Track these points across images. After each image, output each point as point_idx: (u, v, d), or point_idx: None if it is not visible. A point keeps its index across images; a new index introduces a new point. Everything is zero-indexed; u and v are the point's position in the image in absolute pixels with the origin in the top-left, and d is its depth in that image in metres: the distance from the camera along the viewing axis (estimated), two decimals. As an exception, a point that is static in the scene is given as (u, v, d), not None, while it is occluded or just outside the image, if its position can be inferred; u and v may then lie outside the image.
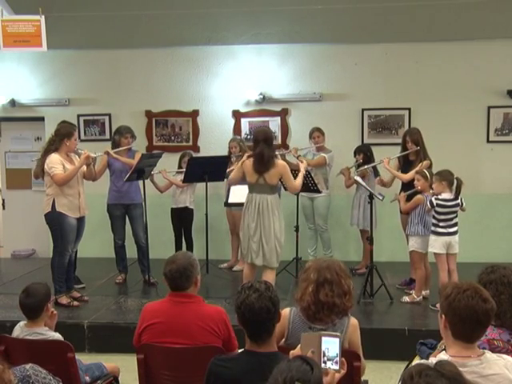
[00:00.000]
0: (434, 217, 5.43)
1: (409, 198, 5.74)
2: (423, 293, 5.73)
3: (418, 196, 5.57)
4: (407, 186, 5.95)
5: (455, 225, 5.45)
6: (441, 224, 5.39)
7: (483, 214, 7.35)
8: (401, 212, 6.13)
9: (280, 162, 5.29)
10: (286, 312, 3.00)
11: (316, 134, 6.89)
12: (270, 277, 5.27)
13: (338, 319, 2.89)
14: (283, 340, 3.01)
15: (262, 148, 5.09)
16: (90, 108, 7.82)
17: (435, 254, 5.47)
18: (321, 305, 2.83)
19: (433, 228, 5.45)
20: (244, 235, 5.35)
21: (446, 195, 5.40)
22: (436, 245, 5.43)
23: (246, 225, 5.28)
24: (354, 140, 7.30)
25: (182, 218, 6.97)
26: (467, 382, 1.83)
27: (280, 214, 5.34)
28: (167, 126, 7.82)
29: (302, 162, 5.78)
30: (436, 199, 5.37)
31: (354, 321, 2.97)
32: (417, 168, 5.86)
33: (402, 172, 6.18)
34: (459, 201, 5.41)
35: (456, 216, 5.46)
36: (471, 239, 6.96)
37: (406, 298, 5.72)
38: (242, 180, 5.42)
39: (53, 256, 5.71)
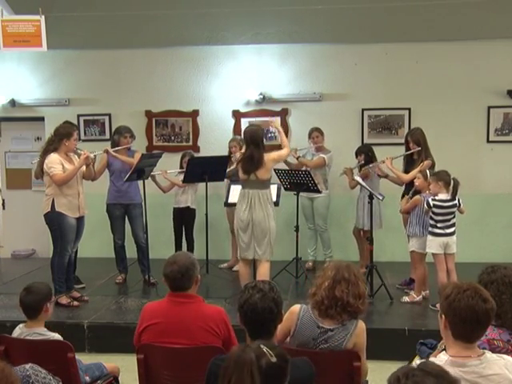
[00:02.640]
0: (431, 217, 5.43)
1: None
2: (423, 293, 5.73)
3: (416, 196, 5.57)
4: (410, 187, 5.95)
5: (453, 225, 5.45)
6: (438, 225, 5.39)
7: (483, 214, 7.34)
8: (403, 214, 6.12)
9: (266, 158, 5.36)
10: (295, 308, 3.01)
11: (315, 134, 6.89)
12: (264, 268, 5.38)
13: (347, 320, 2.89)
14: (289, 337, 3.02)
15: (252, 151, 5.29)
16: (90, 108, 7.82)
17: (433, 254, 5.47)
18: (335, 301, 2.84)
19: (430, 228, 5.45)
20: (237, 230, 5.47)
21: (443, 196, 5.39)
22: (433, 245, 5.43)
23: (239, 220, 5.39)
24: (354, 140, 7.30)
25: (183, 218, 6.98)
26: (452, 379, 1.84)
27: (272, 209, 5.41)
28: (167, 126, 7.82)
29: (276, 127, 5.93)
30: (433, 200, 5.37)
31: (362, 324, 2.97)
32: (417, 168, 5.86)
33: (405, 172, 6.18)
34: (456, 201, 5.41)
35: (454, 217, 5.45)
36: (471, 239, 6.97)
37: (406, 298, 5.72)
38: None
39: (52, 256, 5.71)
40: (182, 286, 3.18)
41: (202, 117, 7.74)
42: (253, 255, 5.41)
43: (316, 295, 2.90)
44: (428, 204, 5.37)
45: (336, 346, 2.88)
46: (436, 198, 5.38)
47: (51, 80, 7.88)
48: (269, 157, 5.39)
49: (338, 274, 2.88)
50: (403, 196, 6.02)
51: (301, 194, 6.64)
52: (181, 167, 6.93)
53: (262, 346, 2.04)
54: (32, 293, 3.31)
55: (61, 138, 5.55)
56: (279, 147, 7.31)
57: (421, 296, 5.69)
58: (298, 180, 6.43)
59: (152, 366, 3.11)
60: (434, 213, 5.39)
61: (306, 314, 2.95)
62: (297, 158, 6.84)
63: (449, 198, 5.39)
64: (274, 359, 2.00)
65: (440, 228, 5.39)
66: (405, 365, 1.85)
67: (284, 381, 2.04)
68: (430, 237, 5.46)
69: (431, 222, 5.43)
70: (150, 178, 6.58)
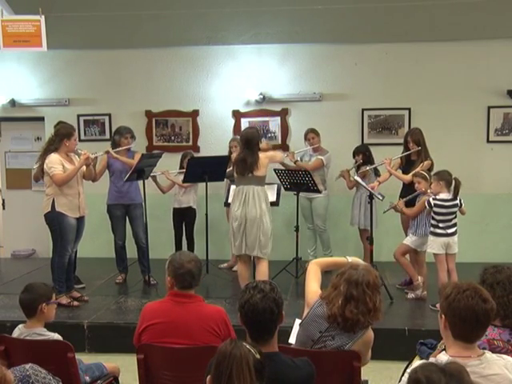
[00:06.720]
0: (432, 217, 5.43)
1: (408, 203, 5.75)
2: (419, 279, 5.75)
3: (424, 197, 5.56)
4: (408, 187, 5.95)
5: (454, 225, 5.45)
6: (440, 225, 5.39)
7: (483, 214, 7.35)
8: (402, 214, 6.11)
9: (261, 156, 5.39)
10: (316, 294, 3.03)
11: (311, 135, 6.89)
12: (263, 266, 5.41)
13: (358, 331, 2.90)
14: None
15: (245, 155, 5.35)
16: (89, 108, 7.82)
17: (434, 254, 5.48)
18: (346, 319, 2.84)
19: (431, 229, 5.45)
20: (231, 227, 5.51)
21: (444, 195, 5.40)
22: (434, 245, 5.44)
23: (233, 216, 5.44)
24: (354, 140, 7.30)
25: (184, 218, 6.98)
26: (466, 381, 1.84)
27: (267, 206, 5.44)
28: (167, 126, 7.82)
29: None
30: (434, 199, 5.37)
31: (370, 334, 2.95)
32: (417, 169, 5.86)
33: (403, 172, 6.18)
34: (458, 201, 5.41)
35: (455, 217, 5.46)
36: (471, 239, 6.97)
37: (412, 295, 5.75)
38: None
39: (52, 256, 5.71)
40: (194, 284, 3.21)
41: (202, 117, 7.74)
42: (244, 250, 5.41)
43: (332, 305, 2.87)
44: (429, 204, 5.38)
45: (341, 346, 2.88)
46: (437, 197, 5.38)
47: (51, 80, 7.88)
48: (264, 154, 5.44)
49: (348, 292, 2.84)
50: (401, 197, 6.02)
51: (300, 194, 6.64)
52: (181, 167, 6.93)
53: (245, 344, 2.12)
54: (28, 291, 3.31)
55: (61, 138, 5.55)
56: (279, 147, 7.37)
57: (420, 278, 5.71)
58: (298, 180, 6.43)
59: (152, 366, 3.11)
60: (435, 212, 5.39)
61: (319, 309, 2.95)
62: (294, 162, 6.84)
63: (450, 197, 5.40)
64: (257, 356, 2.10)
65: (441, 228, 5.39)
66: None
67: (264, 376, 2.13)
68: (431, 237, 5.47)
69: (433, 222, 5.44)
70: (150, 179, 6.59)
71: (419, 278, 5.72)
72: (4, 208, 8.27)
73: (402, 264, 5.79)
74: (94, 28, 7.18)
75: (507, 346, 2.71)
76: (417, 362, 2.49)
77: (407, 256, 5.93)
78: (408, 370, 2.33)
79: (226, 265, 7.22)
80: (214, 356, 2.12)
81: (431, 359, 2.45)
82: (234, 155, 6.76)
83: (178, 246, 7.00)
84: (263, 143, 6.11)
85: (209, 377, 2.12)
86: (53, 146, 5.57)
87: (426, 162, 5.96)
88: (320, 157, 6.83)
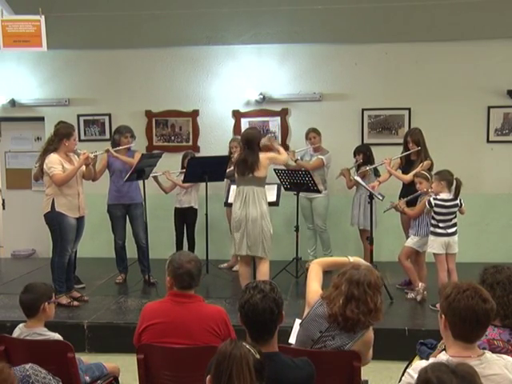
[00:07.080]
0: (432, 217, 5.43)
1: (408, 203, 5.74)
2: (421, 285, 5.74)
3: (425, 197, 5.55)
4: (408, 187, 5.95)
5: (454, 225, 5.45)
6: (440, 224, 5.39)
7: (483, 214, 7.35)
8: (402, 215, 6.10)
9: (262, 156, 5.39)
10: (317, 294, 3.02)
11: (312, 134, 6.90)
12: (264, 266, 5.43)
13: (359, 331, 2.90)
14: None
15: (246, 155, 5.37)
16: (89, 108, 7.82)
17: (434, 254, 5.48)
18: (347, 319, 2.84)
19: (432, 228, 5.45)
20: (232, 227, 5.53)
21: (445, 195, 5.40)
22: (435, 245, 5.44)
23: (234, 216, 5.45)
24: (354, 140, 7.30)
25: (185, 218, 6.99)
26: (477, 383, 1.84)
27: (267, 206, 5.45)
28: (167, 125, 7.82)
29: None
30: (434, 199, 5.37)
31: (370, 334, 2.94)
32: (417, 169, 5.86)
33: (403, 172, 6.18)
34: (458, 201, 5.41)
35: (455, 216, 5.46)
36: (471, 239, 6.97)
37: (412, 295, 5.74)
38: None
39: (52, 256, 5.71)
40: (194, 284, 3.21)
41: (202, 117, 7.74)
42: (245, 252, 5.42)
43: (332, 304, 2.87)
44: (430, 203, 5.37)
45: (341, 346, 2.87)
46: (437, 197, 5.38)
47: (51, 80, 7.88)
48: (265, 155, 5.44)
49: (349, 292, 2.84)
50: (401, 197, 6.03)
51: (300, 194, 6.64)
52: (183, 167, 6.93)
53: (245, 344, 2.12)
54: (29, 291, 3.32)
55: (61, 138, 5.55)
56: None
57: (421, 284, 5.68)
58: (298, 180, 6.43)
59: (152, 366, 3.11)
60: (435, 212, 5.39)
61: (320, 309, 2.95)
62: (295, 161, 6.84)
63: (451, 197, 5.39)
64: (257, 356, 2.11)
65: (442, 228, 5.39)
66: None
67: (264, 376, 2.14)
68: (431, 237, 5.47)
69: (433, 221, 5.43)
70: (151, 179, 6.59)
71: (420, 284, 5.70)
72: (4, 208, 8.27)
73: (406, 268, 5.76)
74: (94, 28, 7.18)
75: (507, 345, 2.71)
76: (417, 363, 2.50)
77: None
78: (408, 370, 2.34)
79: (226, 265, 7.22)
80: (214, 356, 2.12)
81: (431, 359, 2.45)
82: (234, 155, 6.80)
83: (179, 246, 7.00)
84: (265, 138, 6.13)
85: (209, 377, 2.12)
86: (52, 145, 5.57)
87: (425, 162, 5.96)
88: (321, 156, 6.84)
